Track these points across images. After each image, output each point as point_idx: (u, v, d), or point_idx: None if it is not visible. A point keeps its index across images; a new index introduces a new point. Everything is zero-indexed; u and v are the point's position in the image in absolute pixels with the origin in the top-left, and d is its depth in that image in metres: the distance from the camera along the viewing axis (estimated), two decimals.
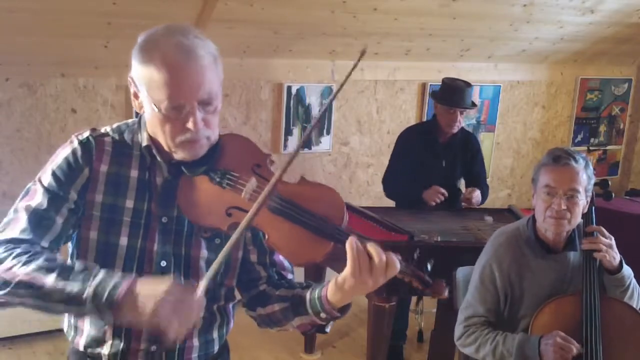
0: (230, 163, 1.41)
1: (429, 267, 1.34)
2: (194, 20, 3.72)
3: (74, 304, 1.24)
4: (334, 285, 1.32)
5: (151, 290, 1.22)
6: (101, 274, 1.26)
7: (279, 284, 1.52)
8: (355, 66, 1.33)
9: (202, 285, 1.25)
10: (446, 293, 1.33)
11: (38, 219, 1.36)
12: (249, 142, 1.47)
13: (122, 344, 1.45)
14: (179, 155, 1.38)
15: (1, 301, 1.29)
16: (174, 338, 1.21)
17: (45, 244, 1.36)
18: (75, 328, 1.50)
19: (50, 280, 1.25)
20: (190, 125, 1.32)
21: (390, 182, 3.85)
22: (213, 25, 3.75)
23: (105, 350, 1.46)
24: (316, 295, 1.38)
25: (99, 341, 1.46)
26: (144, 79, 1.34)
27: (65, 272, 1.26)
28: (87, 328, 1.47)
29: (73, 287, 1.24)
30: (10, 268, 1.26)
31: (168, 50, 1.30)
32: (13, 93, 3.70)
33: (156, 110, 1.33)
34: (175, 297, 1.21)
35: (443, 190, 3.59)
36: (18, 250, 1.29)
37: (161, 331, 1.21)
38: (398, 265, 1.28)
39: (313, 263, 1.33)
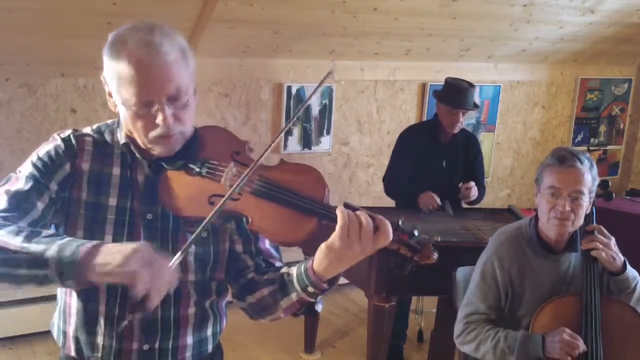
0: (209, 153, 1.43)
1: (415, 233, 1.34)
2: (194, 20, 3.72)
3: (37, 266, 1.21)
4: (320, 253, 1.31)
5: (119, 247, 1.20)
6: (68, 237, 1.26)
7: (267, 271, 1.52)
8: (321, 83, 1.41)
9: (176, 257, 1.25)
10: (435, 256, 1.33)
11: (18, 201, 1.36)
12: (225, 132, 1.49)
13: (114, 346, 1.44)
14: (155, 151, 1.39)
15: None
16: (144, 294, 1.18)
17: (23, 224, 1.35)
18: (65, 334, 1.50)
19: (16, 241, 1.23)
20: (159, 121, 1.33)
21: (391, 182, 3.85)
22: (213, 25, 3.75)
23: (97, 353, 1.45)
24: (302, 270, 1.37)
25: (90, 345, 1.46)
26: (113, 77, 1.35)
27: (32, 235, 1.24)
28: (77, 333, 1.47)
29: (37, 247, 1.21)
30: None
31: (133, 48, 1.31)
32: (13, 93, 3.70)
33: (126, 107, 1.35)
34: (145, 254, 1.19)
35: (437, 200, 3.57)
36: None
37: (131, 286, 1.18)
38: (390, 230, 1.28)
39: (298, 242, 1.33)
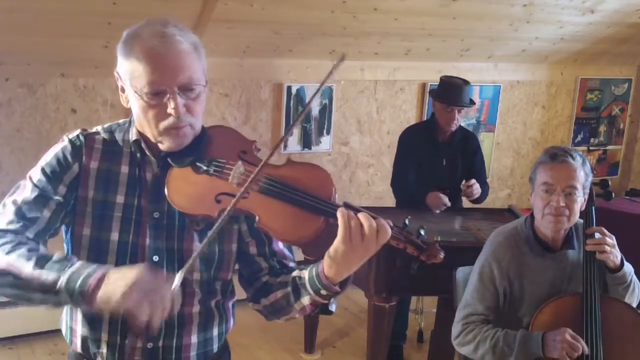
0: (216, 152, 1.43)
1: (421, 232, 1.36)
2: (194, 20, 3.72)
3: (49, 292, 1.27)
4: (328, 258, 1.33)
5: (122, 276, 1.24)
6: (77, 264, 1.29)
7: (280, 273, 1.52)
8: (332, 70, 1.37)
9: (178, 275, 1.27)
10: (441, 256, 1.35)
11: (24, 212, 1.40)
12: (233, 131, 1.50)
13: (118, 343, 1.45)
14: (164, 145, 1.40)
15: None
16: (145, 323, 1.21)
17: (30, 234, 1.39)
18: (72, 330, 1.51)
19: (27, 268, 1.28)
20: (170, 110, 1.35)
21: (399, 186, 3.82)
22: (213, 25, 3.75)
23: (102, 350, 1.46)
24: (314, 273, 1.39)
25: (95, 342, 1.47)
26: (127, 71, 1.37)
27: (42, 261, 1.29)
28: (82, 329, 1.48)
29: (48, 275, 1.27)
30: None
31: (147, 39, 1.35)
32: (13, 93, 3.70)
33: (138, 96, 1.36)
34: (146, 282, 1.22)
35: (446, 201, 3.57)
36: (2, 240, 1.33)
37: (134, 316, 1.21)
38: (389, 230, 1.30)
39: (306, 240, 1.34)
